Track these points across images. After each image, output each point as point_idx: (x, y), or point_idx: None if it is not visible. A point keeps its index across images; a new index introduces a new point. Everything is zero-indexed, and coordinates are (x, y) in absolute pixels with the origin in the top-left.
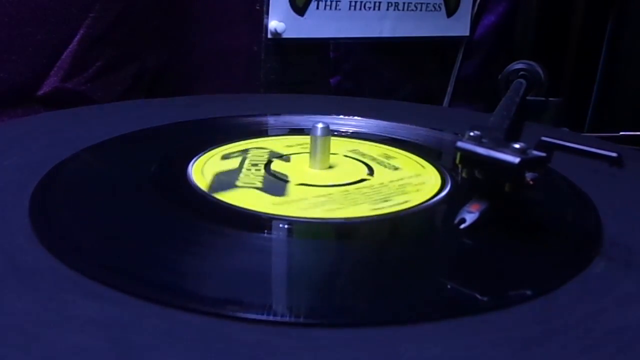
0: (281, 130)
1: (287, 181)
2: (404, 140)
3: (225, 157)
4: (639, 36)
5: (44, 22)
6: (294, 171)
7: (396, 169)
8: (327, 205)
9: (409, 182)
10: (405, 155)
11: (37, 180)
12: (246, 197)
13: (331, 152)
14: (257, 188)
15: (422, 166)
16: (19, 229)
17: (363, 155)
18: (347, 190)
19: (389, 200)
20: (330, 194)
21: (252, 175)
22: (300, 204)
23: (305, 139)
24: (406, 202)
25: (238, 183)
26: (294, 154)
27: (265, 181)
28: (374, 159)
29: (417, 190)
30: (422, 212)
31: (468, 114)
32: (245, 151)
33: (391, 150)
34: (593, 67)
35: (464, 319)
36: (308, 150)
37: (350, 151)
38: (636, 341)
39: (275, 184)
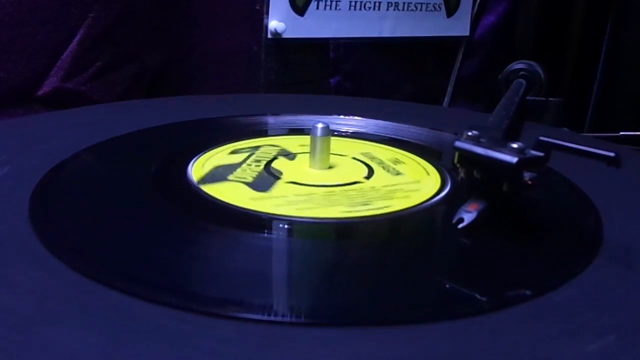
0: (282, 130)
1: (278, 178)
2: (404, 140)
3: (233, 151)
4: (639, 36)
5: (44, 22)
6: (293, 170)
7: (398, 174)
8: (302, 204)
9: (402, 187)
10: (415, 161)
11: (37, 180)
12: (229, 190)
13: (341, 153)
14: (246, 183)
15: (427, 172)
16: (19, 228)
17: (372, 158)
18: (332, 191)
19: (369, 204)
20: (312, 194)
21: (249, 170)
22: (277, 200)
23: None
24: (386, 207)
25: (230, 177)
26: (304, 153)
27: (257, 177)
28: (380, 162)
29: (405, 197)
30: (422, 212)
31: (468, 114)
32: (256, 148)
33: (402, 154)
34: (593, 67)
35: (463, 320)
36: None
37: (361, 154)
38: (636, 342)
39: (266, 180)
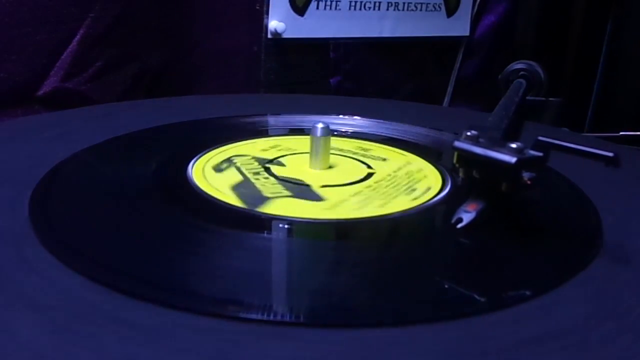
0: (282, 130)
1: (308, 185)
2: (404, 140)
3: (217, 169)
4: (639, 36)
5: (44, 22)
6: (296, 173)
7: (384, 160)
8: (372, 202)
9: (409, 169)
10: (385, 149)
11: (37, 180)
12: (289, 206)
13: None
14: (289, 196)
15: (404, 155)
16: (19, 229)
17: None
18: (370, 186)
19: (415, 189)
20: (361, 192)
21: (269, 185)
22: (347, 204)
23: (277, 140)
24: (429, 189)
25: (267, 194)
26: (281, 156)
27: (289, 188)
28: (362, 155)
29: (425, 177)
30: (422, 212)
31: (468, 113)
32: (230, 160)
33: (371, 145)
34: (593, 67)
35: (463, 320)
36: (287, 152)
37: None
38: (636, 341)
39: (301, 189)
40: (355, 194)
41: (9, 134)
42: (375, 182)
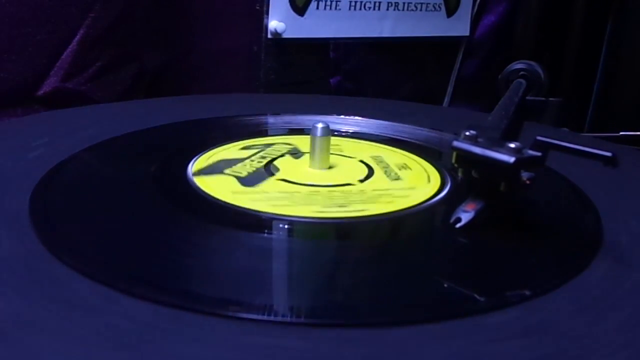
0: (281, 130)
1: (272, 175)
2: (404, 140)
3: (245, 147)
4: (639, 36)
5: (44, 22)
6: (292, 168)
7: (397, 179)
8: (280, 201)
9: (392, 193)
10: (421, 166)
11: (37, 180)
12: (217, 183)
13: (350, 155)
14: (238, 177)
15: (429, 179)
16: (19, 229)
17: (379, 161)
18: (317, 191)
19: (346, 206)
20: (295, 192)
21: (249, 166)
22: (257, 196)
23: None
24: (362, 210)
25: (227, 170)
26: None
27: (253, 172)
28: (385, 166)
29: (389, 202)
30: (421, 212)
31: (468, 113)
32: (268, 145)
33: (411, 159)
34: (593, 67)
35: (463, 320)
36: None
37: (371, 157)
38: (636, 342)
39: (259, 176)
40: (286, 192)
41: (9, 133)
42: (330, 191)
